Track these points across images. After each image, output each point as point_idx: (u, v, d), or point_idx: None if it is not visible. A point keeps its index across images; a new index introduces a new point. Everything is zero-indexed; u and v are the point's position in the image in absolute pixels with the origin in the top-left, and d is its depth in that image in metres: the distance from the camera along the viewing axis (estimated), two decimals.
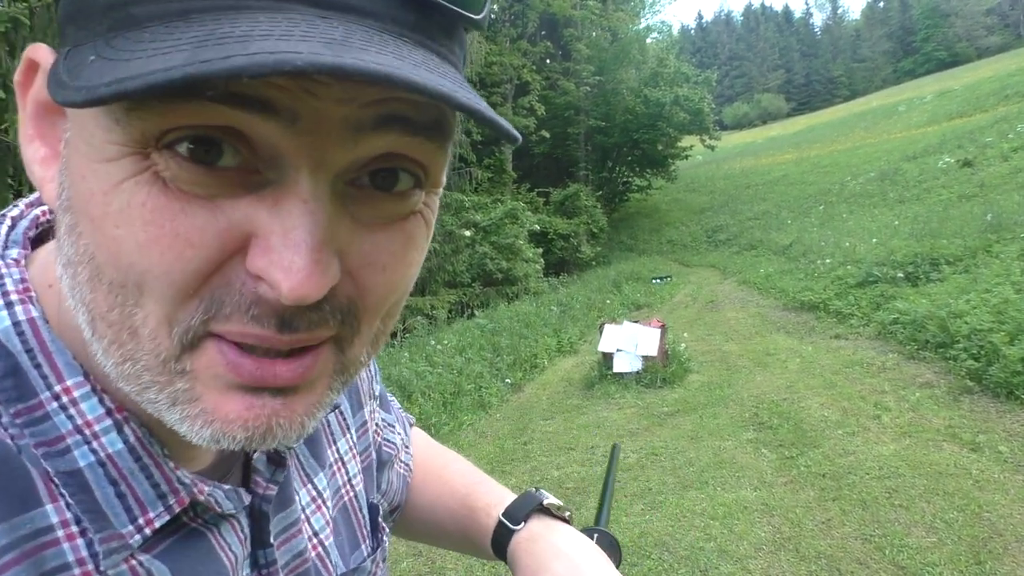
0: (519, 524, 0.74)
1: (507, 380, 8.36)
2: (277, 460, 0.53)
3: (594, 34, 30.61)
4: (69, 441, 0.39)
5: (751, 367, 7.60)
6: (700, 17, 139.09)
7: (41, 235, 0.47)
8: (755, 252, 19.22)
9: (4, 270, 0.41)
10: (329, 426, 0.62)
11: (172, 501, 0.42)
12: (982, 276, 7.76)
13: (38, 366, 0.39)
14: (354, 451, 0.66)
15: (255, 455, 0.51)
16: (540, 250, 19.25)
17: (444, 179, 0.43)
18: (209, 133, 0.32)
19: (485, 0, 0.39)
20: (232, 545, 0.47)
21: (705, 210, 30.72)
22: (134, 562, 0.41)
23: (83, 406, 0.39)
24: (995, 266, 8.00)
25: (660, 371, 7.38)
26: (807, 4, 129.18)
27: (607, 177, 32.34)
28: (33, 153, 0.39)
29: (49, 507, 0.38)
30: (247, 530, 0.49)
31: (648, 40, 34.23)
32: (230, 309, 0.34)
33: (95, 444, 0.39)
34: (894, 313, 7.84)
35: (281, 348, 0.36)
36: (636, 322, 7.98)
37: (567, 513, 0.77)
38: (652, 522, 4.20)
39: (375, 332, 0.42)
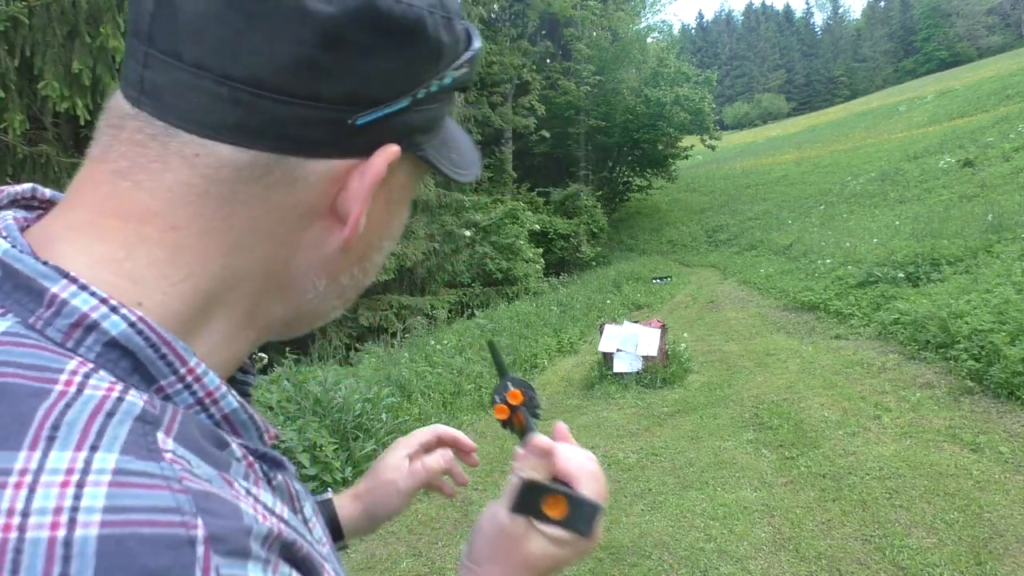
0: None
1: None
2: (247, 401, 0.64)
3: (594, 34, 30.56)
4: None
5: (751, 367, 7.59)
6: (701, 17, 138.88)
7: None
8: (755, 252, 19.23)
9: (83, 283, 0.43)
10: None
11: (267, 436, 0.53)
12: (983, 276, 7.76)
13: (163, 356, 0.44)
14: None
15: None
16: (540, 250, 19.24)
17: None
18: None
19: None
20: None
21: (705, 210, 30.72)
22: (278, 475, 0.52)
23: (205, 380, 0.46)
24: (996, 266, 7.99)
25: (660, 371, 7.38)
26: (808, 4, 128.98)
27: (607, 177, 32.33)
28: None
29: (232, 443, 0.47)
30: None
31: (649, 40, 34.19)
32: None
33: (212, 409, 0.47)
34: (895, 313, 7.84)
35: None
36: (636, 322, 7.98)
37: None
38: (652, 522, 4.20)
39: None
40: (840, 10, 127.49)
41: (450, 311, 13.76)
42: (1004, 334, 5.72)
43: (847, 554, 3.56)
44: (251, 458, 0.48)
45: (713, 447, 5.34)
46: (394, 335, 11.11)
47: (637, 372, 7.43)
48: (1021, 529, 3.56)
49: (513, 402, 0.86)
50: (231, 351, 0.52)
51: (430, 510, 4.81)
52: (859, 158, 28.48)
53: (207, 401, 0.47)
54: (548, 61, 29.86)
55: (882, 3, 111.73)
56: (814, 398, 6.11)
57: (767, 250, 18.48)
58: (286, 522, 0.44)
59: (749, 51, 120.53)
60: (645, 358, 7.44)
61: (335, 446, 5.27)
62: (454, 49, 0.51)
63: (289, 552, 0.42)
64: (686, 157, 33.68)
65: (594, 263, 23.37)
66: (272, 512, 0.43)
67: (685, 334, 9.26)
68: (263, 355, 7.59)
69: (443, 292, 14.53)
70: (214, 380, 0.47)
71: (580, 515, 0.59)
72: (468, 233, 15.91)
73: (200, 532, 0.35)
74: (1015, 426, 4.85)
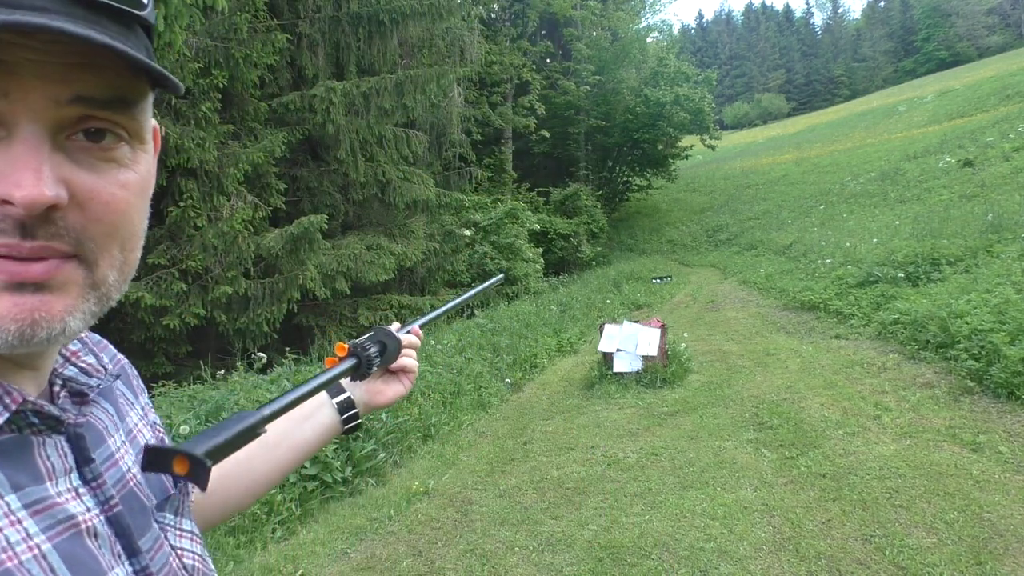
0: (345, 392, 1.06)
1: (507, 380, 8.35)
2: (80, 400, 0.65)
3: (594, 34, 30.57)
4: None
5: (751, 367, 7.59)
6: (700, 16, 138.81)
7: None
8: (755, 252, 19.23)
9: None
10: (119, 401, 0.74)
11: (8, 400, 0.54)
12: (983, 276, 7.76)
13: None
14: (143, 423, 0.77)
15: (60, 397, 0.63)
16: (540, 250, 19.23)
17: (148, 137, 0.58)
18: None
19: (146, 1, 0.53)
20: (52, 456, 0.58)
21: (705, 210, 30.73)
22: None
23: None
24: (996, 266, 7.99)
25: (660, 371, 7.37)
26: (808, 4, 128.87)
27: (607, 177, 32.33)
28: None
29: None
30: (67, 448, 0.59)
31: (648, 40, 34.20)
32: None
33: None
34: (895, 313, 7.84)
35: (28, 255, 0.48)
36: (636, 322, 7.97)
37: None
38: (652, 522, 4.19)
39: (118, 260, 0.55)
40: (840, 10, 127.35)
41: None
42: (1004, 334, 5.72)
43: (847, 554, 3.56)
44: None
45: (713, 447, 5.34)
46: (373, 326, 11.11)
47: (637, 372, 7.42)
48: (1021, 529, 3.56)
49: (340, 354, 0.92)
50: None
51: (430, 510, 4.81)
52: (859, 158, 28.47)
53: None
54: (548, 61, 29.89)
55: (882, 3, 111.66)
56: (814, 398, 6.11)
57: (767, 250, 18.48)
58: None
59: (749, 51, 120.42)
60: (645, 358, 7.44)
61: (335, 446, 5.27)
62: None
63: None
64: (686, 157, 33.69)
65: (594, 263, 23.35)
66: None
67: (685, 334, 9.26)
68: (262, 355, 7.59)
69: (443, 292, 14.51)
70: None
71: (198, 472, 0.59)
72: (468, 233, 15.91)
73: None
74: (1015, 426, 4.85)
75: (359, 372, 0.92)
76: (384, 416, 5.98)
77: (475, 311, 12.92)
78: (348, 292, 10.89)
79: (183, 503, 0.74)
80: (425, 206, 13.64)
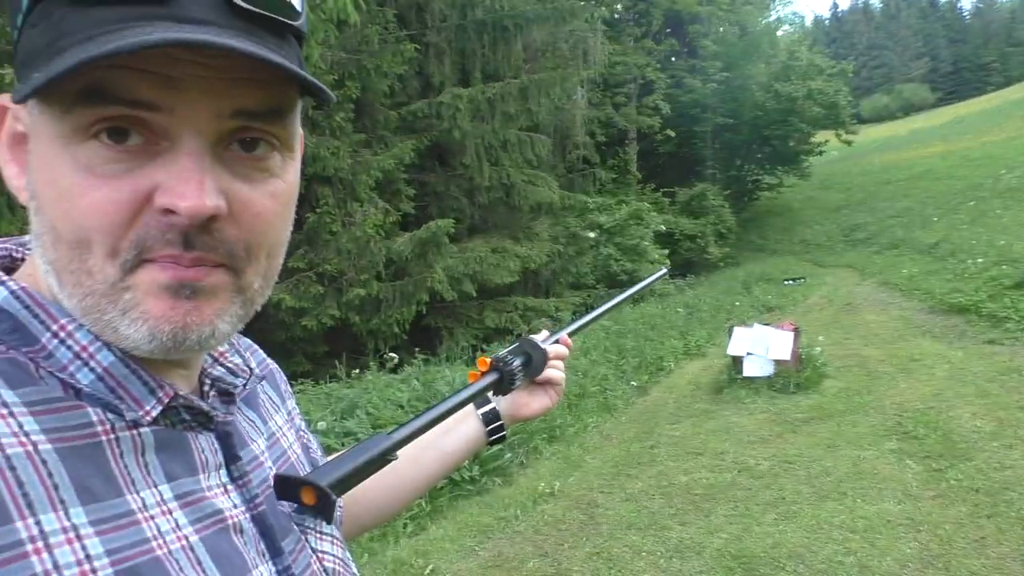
0: (490, 403, 1.06)
1: (632, 383, 8.28)
2: (227, 399, 0.67)
3: (721, 29, 29.88)
4: (71, 368, 0.52)
5: (893, 373, 7.22)
6: (835, 6, 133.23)
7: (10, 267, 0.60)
8: (897, 251, 18.27)
9: None
10: (264, 405, 0.76)
11: (160, 394, 0.55)
12: None
13: (36, 316, 0.53)
14: (288, 427, 0.80)
15: (210, 396, 0.65)
16: (666, 251, 18.95)
17: (297, 145, 0.59)
18: (120, 124, 0.48)
19: (300, 11, 0.54)
20: (205, 450, 0.60)
21: (841, 208, 29.38)
22: (134, 432, 0.54)
23: (78, 336, 0.53)
24: None
25: (793, 376, 7.11)
26: None
27: (735, 175, 31.42)
28: (9, 172, 0.56)
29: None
30: (216, 445, 0.62)
31: (779, 33, 33.10)
32: (151, 241, 0.49)
33: (92, 363, 0.53)
34: None
35: (188, 265, 0.50)
36: (767, 325, 7.73)
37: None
38: (786, 533, 4.05)
39: (263, 267, 0.57)
40: None
41: (574, 312, 13.75)
42: None
43: (1004, 575, 3.31)
44: (108, 425, 0.52)
45: (852, 456, 5.10)
46: (518, 336, 11.24)
47: (768, 376, 7.19)
48: None
49: (482, 368, 0.92)
50: None
51: (556, 511, 4.83)
52: (1015, 149, 26.47)
53: (84, 355, 0.53)
54: (673, 59, 29.38)
55: None
56: (965, 407, 5.73)
57: (910, 249, 17.53)
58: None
59: (888, 40, 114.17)
60: (777, 362, 7.19)
61: None
62: None
63: None
64: (820, 153, 32.32)
65: (722, 264, 22.81)
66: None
67: (820, 337, 8.88)
68: (394, 355, 7.86)
69: (567, 293, 14.55)
70: (87, 336, 0.53)
71: (325, 504, 0.61)
72: (592, 235, 15.88)
73: None
74: None
75: (501, 387, 0.90)
76: None
77: None
78: (474, 294, 11.10)
79: None
80: (549, 208, 13.73)
